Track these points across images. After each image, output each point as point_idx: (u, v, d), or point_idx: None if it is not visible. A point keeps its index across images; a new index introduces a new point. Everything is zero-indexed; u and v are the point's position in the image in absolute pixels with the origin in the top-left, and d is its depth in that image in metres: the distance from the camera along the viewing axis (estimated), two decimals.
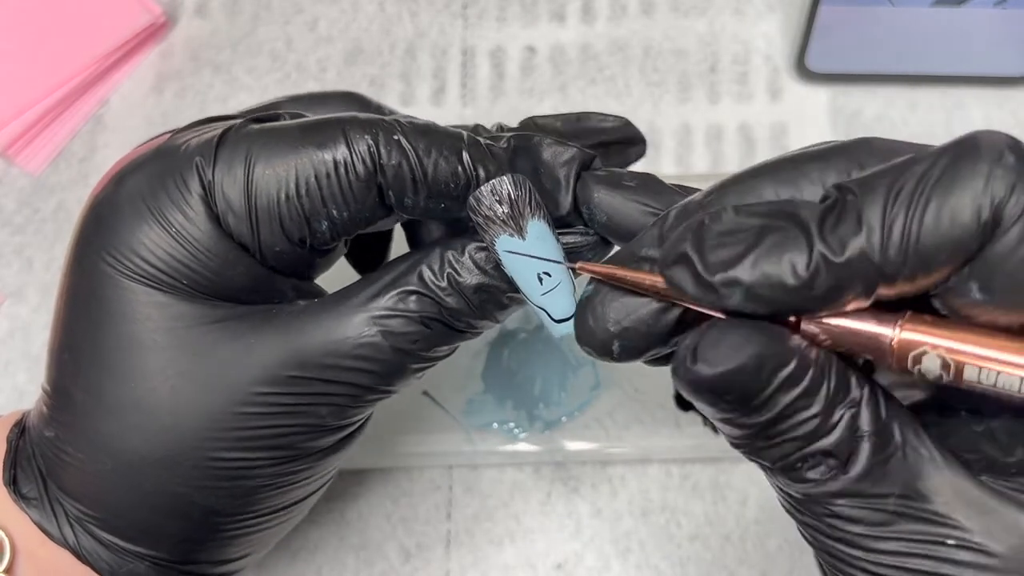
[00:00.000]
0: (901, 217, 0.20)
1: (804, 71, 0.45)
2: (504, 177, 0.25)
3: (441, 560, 0.39)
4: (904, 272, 0.20)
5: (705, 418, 0.39)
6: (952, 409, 0.24)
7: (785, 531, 0.38)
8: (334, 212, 0.27)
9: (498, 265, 0.26)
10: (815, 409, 0.21)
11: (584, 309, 0.24)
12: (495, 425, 0.40)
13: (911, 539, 0.21)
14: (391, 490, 0.40)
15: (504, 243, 0.25)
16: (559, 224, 0.27)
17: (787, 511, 0.24)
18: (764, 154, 0.45)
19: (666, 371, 0.41)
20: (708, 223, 0.22)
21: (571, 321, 0.26)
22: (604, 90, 0.47)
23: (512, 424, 0.40)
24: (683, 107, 0.46)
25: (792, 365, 0.21)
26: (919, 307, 0.22)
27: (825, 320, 0.22)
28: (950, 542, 0.21)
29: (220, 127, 0.27)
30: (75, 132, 0.47)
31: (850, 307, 0.21)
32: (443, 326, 0.27)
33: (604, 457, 0.40)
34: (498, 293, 0.27)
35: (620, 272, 0.23)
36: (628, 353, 0.24)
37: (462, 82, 0.47)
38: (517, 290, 0.26)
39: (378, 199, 0.27)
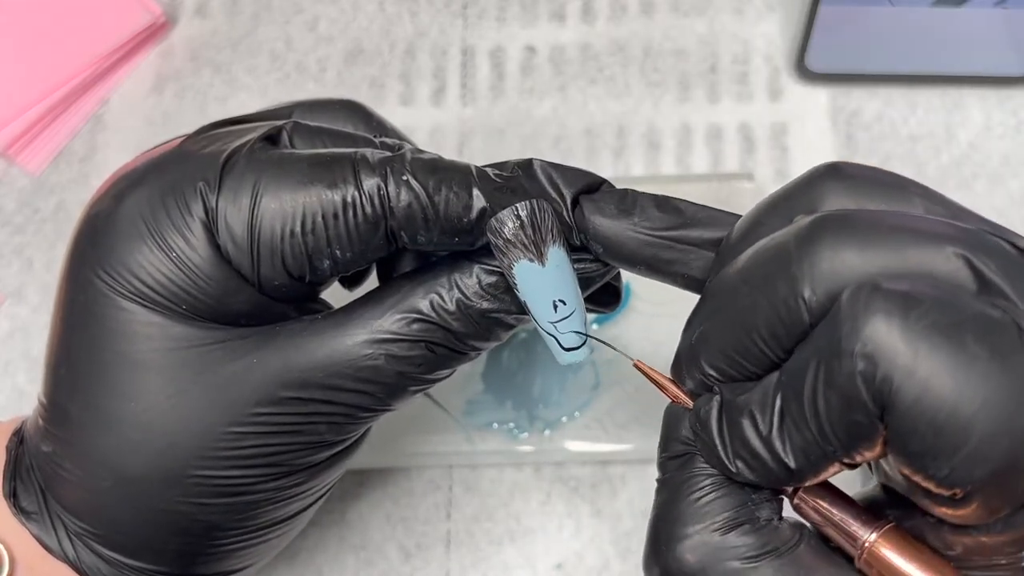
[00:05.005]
0: (813, 426, 0.21)
1: (804, 71, 0.45)
2: (527, 202, 0.25)
3: (441, 560, 0.39)
4: (838, 458, 0.22)
5: None
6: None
7: None
8: (337, 252, 0.26)
9: (507, 289, 0.26)
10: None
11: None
12: (495, 425, 0.40)
13: None
14: (391, 490, 0.40)
15: (523, 268, 0.25)
16: (571, 248, 0.26)
17: None
18: (764, 154, 0.45)
19: (666, 371, 0.41)
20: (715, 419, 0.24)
21: (580, 350, 0.27)
22: (604, 90, 0.47)
23: (512, 424, 0.40)
24: (683, 107, 0.46)
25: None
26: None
27: (818, 502, 0.24)
28: None
29: (227, 145, 0.27)
30: (75, 132, 0.47)
31: (827, 476, 0.23)
32: (447, 350, 0.27)
33: (604, 457, 0.40)
34: (506, 316, 0.27)
35: (666, 384, 0.25)
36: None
37: (462, 82, 0.47)
38: (526, 313, 0.26)
39: (384, 240, 0.26)
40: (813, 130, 0.45)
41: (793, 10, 0.45)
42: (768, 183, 0.44)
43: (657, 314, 0.41)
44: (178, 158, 0.27)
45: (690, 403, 0.25)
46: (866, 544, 0.23)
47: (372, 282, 0.33)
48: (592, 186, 0.27)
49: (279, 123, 0.29)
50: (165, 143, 0.29)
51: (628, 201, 0.26)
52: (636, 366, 0.26)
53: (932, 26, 0.43)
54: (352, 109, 0.32)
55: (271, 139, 0.28)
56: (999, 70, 0.45)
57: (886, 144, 0.45)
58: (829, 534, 0.24)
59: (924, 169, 0.44)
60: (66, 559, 0.27)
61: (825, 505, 0.24)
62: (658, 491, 0.25)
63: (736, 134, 0.46)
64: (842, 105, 0.46)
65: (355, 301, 0.27)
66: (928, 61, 0.45)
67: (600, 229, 0.26)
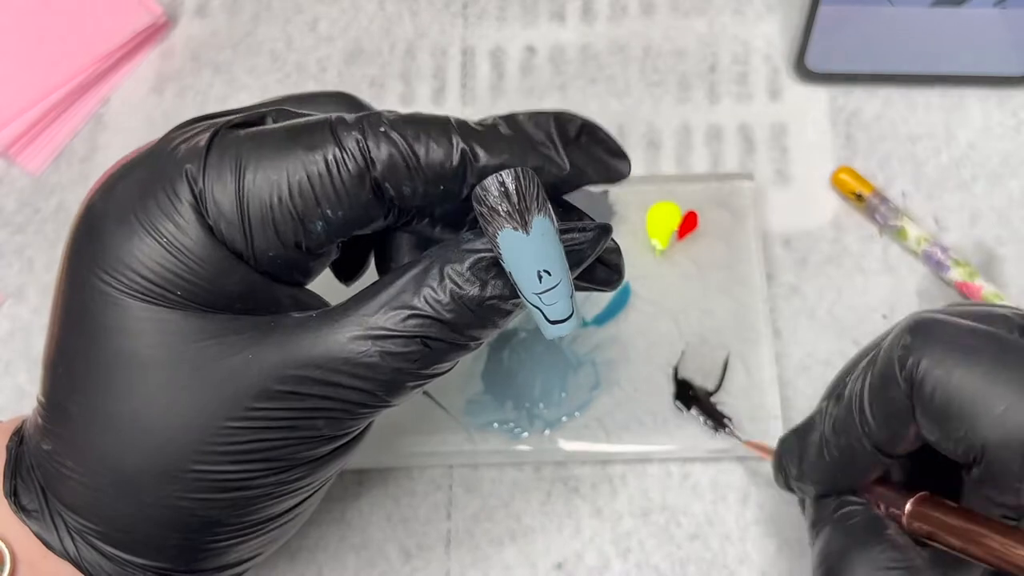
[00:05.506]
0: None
1: (804, 71, 0.45)
2: (512, 169, 0.25)
3: (441, 560, 0.39)
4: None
5: (705, 417, 0.39)
6: None
7: (785, 531, 0.39)
8: (328, 212, 0.26)
9: (500, 273, 0.26)
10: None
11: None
12: (495, 425, 0.40)
13: None
14: (391, 490, 0.40)
15: (507, 236, 0.25)
16: (560, 218, 0.26)
17: None
18: (764, 154, 0.45)
19: (666, 371, 0.41)
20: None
21: (566, 323, 0.26)
22: (604, 90, 0.47)
23: (512, 424, 0.40)
24: (683, 107, 0.46)
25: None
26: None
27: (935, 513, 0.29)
28: None
29: (208, 131, 0.27)
30: (76, 132, 0.47)
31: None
32: (444, 343, 0.27)
33: (604, 457, 0.40)
34: (501, 302, 0.27)
35: (766, 456, 0.36)
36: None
37: (462, 82, 0.47)
38: (515, 294, 0.26)
39: (373, 195, 0.26)
40: (813, 130, 0.46)
41: (793, 10, 0.45)
42: (768, 183, 0.44)
43: (657, 314, 0.41)
44: (162, 149, 0.27)
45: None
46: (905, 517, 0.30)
47: (370, 276, 0.33)
48: (580, 128, 0.27)
49: (263, 111, 0.29)
50: (153, 141, 0.29)
51: None
52: (748, 444, 0.38)
53: (932, 26, 0.43)
54: (341, 100, 0.32)
55: (254, 123, 0.28)
56: (999, 70, 0.45)
57: (886, 144, 0.45)
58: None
59: (923, 169, 0.44)
60: (67, 556, 0.27)
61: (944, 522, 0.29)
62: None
63: (736, 134, 0.46)
64: (842, 105, 0.46)
65: (351, 298, 0.27)
66: (928, 61, 0.45)
67: None
